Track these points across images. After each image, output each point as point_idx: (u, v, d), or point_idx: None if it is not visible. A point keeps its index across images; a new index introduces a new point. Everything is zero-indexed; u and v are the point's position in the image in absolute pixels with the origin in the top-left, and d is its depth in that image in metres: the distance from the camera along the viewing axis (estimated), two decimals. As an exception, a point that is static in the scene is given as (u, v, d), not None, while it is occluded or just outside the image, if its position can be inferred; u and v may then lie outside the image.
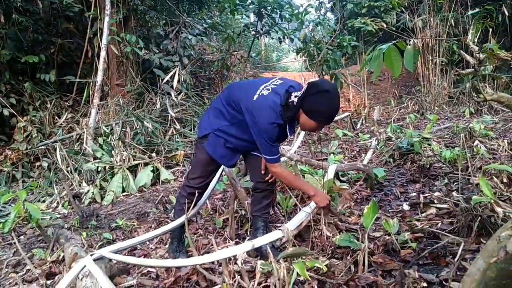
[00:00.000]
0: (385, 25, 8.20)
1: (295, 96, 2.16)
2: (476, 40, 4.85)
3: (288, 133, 2.30)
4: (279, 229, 2.31)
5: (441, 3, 7.64)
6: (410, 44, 3.38)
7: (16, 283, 2.71)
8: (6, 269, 3.10)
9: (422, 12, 8.02)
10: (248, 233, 2.94)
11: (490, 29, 6.54)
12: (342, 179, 3.78)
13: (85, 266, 2.01)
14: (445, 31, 7.52)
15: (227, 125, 2.38)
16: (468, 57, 3.22)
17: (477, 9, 5.90)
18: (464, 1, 7.41)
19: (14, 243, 3.29)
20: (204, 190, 2.69)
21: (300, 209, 2.90)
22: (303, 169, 3.88)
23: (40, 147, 6.14)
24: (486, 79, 5.95)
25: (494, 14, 6.66)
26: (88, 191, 4.71)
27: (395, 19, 8.94)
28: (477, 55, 3.09)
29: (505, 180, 2.71)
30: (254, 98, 2.18)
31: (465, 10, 7.45)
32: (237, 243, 2.71)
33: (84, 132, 5.76)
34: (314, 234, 2.63)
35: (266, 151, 2.24)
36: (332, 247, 2.45)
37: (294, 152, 4.95)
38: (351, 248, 2.35)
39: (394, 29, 8.17)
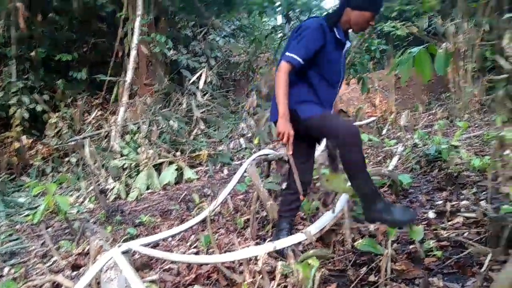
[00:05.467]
0: (416, 29, 8.03)
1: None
2: None
3: (340, 37, 2.25)
4: (301, 232, 2.30)
5: (475, 7, 7.42)
6: (442, 48, 3.29)
7: (43, 273, 2.81)
8: (34, 259, 3.22)
9: (455, 17, 7.80)
10: (269, 234, 2.94)
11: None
12: (366, 184, 3.71)
13: (111, 258, 2.06)
14: (478, 36, 7.30)
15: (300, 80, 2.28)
16: (503, 62, 3.12)
17: (512, 14, 5.67)
18: (499, 6, 7.17)
19: (43, 234, 3.41)
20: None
21: (322, 213, 2.89)
22: (326, 173, 3.85)
23: (69, 143, 6.35)
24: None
25: (531, 19, 6.39)
26: (114, 187, 4.84)
27: (426, 23, 8.74)
28: (512, 60, 3.00)
29: (538, 191, 2.60)
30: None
31: (500, 15, 7.20)
32: (257, 243, 2.72)
33: (112, 130, 5.91)
34: (336, 238, 2.60)
35: (289, 47, 2.15)
36: (354, 252, 2.42)
37: (318, 156, 4.91)
38: (373, 254, 2.31)
39: (425, 33, 7.99)
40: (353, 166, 2.21)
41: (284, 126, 2.11)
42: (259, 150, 6.07)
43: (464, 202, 2.99)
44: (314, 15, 8.88)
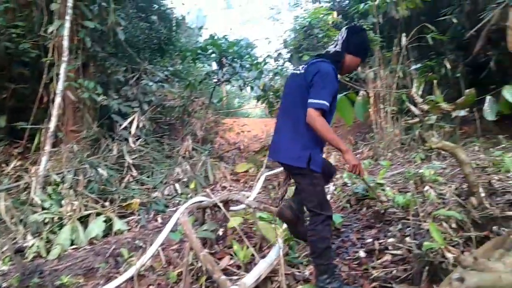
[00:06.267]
0: (339, 76, 8.62)
1: (334, 48, 2.48)
2: (421, 92, 5.20)
3: (339, 78, 2.48)
4: (235, 285, 2.23)
5: (389, 56, 8.22)
6: (360, 96, 3.55)
7: None
8: None
9: (373, 64, 8.56)
10: (203, 287, 2.80)
11: (435, 81, 7.06)
12: (300, 226, 3.75)
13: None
14: (394, 82, 8.02)
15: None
16: (413, 108, 3.43)
17: (419, 65, 6.36)
18: (408, 57, 8.01)
19: None
20: None
21: (258, 260, 2.83)
22: (262, 216, 3.84)
23: (-18, 198, 5.71)
24: (433, 128, 6.31)
25: (436, 68, 7.21)
26: (33, 244, 4.38)
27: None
28: (421, 106, 3.30)
29: (454, 225, 2.79)
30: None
31: (411, 63, 8.05)
32: (191, 298, 2.58)
33: (32, 181, 5.44)
34: (272, 285, 2.56)
35: (316, 95, 2.25)
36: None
37: (253, 199, 4.92)
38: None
39: (347, 79, 8.62)
40: (323, 240, 2.35)
41: (354, 159, 2.29)
42: (196, 195, 5.93)
43: (391, 239, 3.12)
44: (247, 62, 9.23)
